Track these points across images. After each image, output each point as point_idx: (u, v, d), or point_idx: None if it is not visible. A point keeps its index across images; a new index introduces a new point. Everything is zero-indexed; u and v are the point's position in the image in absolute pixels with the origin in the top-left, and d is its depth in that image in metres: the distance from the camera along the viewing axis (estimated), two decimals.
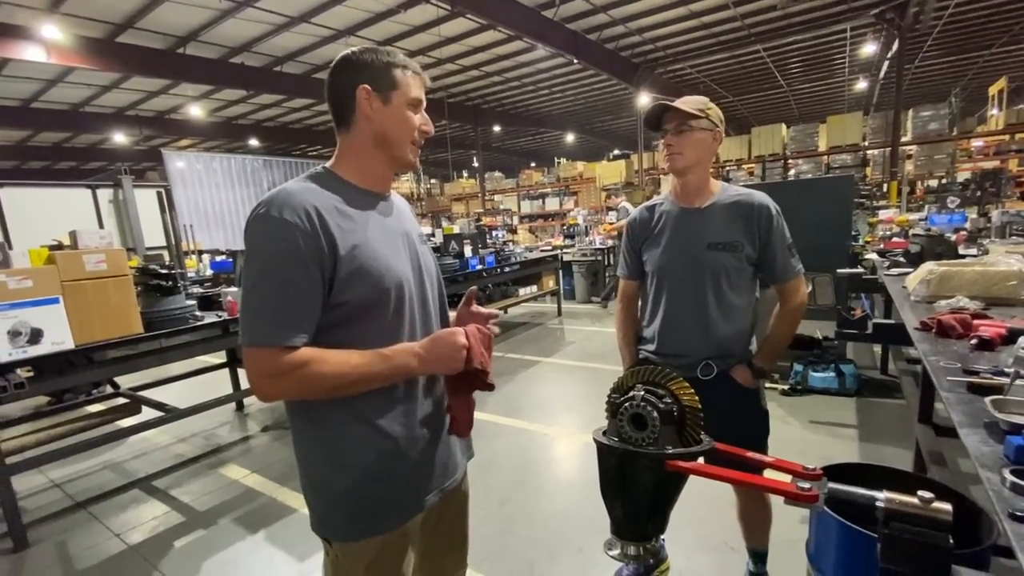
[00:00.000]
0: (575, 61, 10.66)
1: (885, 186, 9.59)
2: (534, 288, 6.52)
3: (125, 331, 2.88)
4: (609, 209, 7.21)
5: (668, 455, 1.03)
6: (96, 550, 2.55)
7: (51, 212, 6.40)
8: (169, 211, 5.82)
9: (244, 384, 4.01)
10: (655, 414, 1.05)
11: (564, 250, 8.18)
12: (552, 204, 13.88)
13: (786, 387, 3.74)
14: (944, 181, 9.85)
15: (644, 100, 11.80)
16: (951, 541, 0.78)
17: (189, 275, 5.49)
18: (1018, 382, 1.14)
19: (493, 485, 2.92)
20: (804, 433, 3.21)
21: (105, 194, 7.02)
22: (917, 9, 8.84)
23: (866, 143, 10.51)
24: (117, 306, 2.84)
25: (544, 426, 3.65)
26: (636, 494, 1.09)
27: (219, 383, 4.35)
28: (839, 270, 3.22)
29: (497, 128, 16.98)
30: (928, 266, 2.24)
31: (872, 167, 11.04)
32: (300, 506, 2.81)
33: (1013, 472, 0.89)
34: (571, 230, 9.44)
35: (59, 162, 17.23)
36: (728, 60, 12.61)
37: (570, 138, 19.12)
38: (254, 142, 16.41)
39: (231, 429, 3.99)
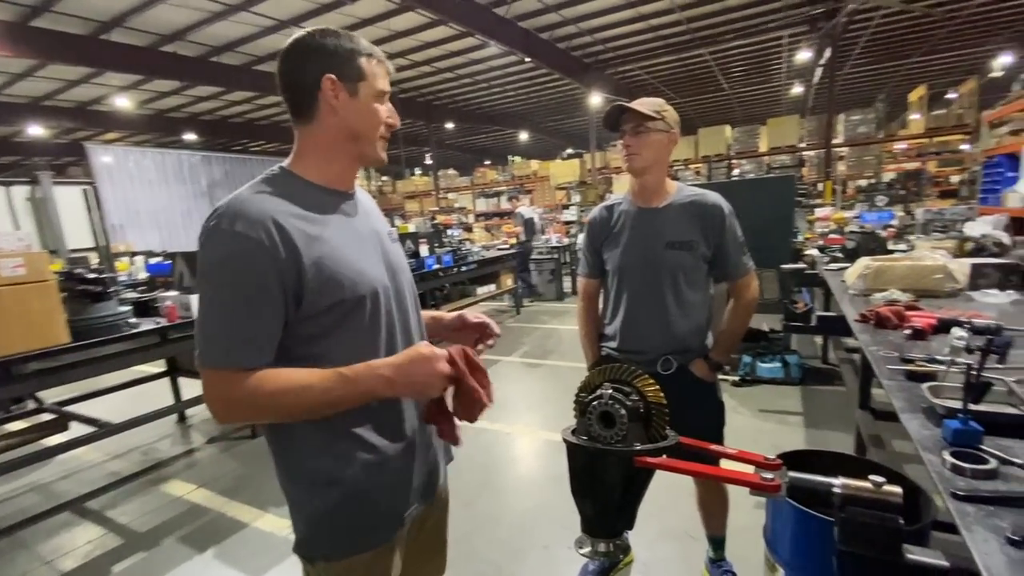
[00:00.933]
0: (527, 59, 10.70)
1: (820, 185, 10.21)
2: (493, 287, 6.50)
3: (49, 341, 2.64)
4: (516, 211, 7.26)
5: (637, 451, 1.04)
6: None
7: None
8: (97, 210, 5.40)
9: (186, 394, 3.77)
10: (623, 411, 1.06)
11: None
12: (507, 202, 13.91)
13: (736, 378, 3.90)
14: (872, 181, 10.56)
15: (596, 100, 12.00)
16: (901, 521, 0.83)
17: (121, 279, 5.13)
18: (952, 369, 1.23)
19: (457, 488, 2.83)
20: (755, 422, 3.36)
21: (20, 192, 6.44)
22: (846, 19, 9.44)
23: (803, 144, 11.12)
24: (40, 314, 2.60)
25: (506, 425, 3.65)
26: (606, 491, 1.09)
27: (158, 394, 4.08)
28: (783, 265, 3.40)
29: (450, 125, 16.81)
30: (864, 261, 2.39)
31: (808, 167, 11.70)
32: (252, 519, 2.68)
33: (952, 454, 0.96)
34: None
35: None
36: (675, 63, 13.02)
37: (524, 136, 19.19)
38: (190, 136, 15.48)
39: (173, 442, 3.75)
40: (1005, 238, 2.46)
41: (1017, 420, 1.07)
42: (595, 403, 1.09)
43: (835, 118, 10.91)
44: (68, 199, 6.58)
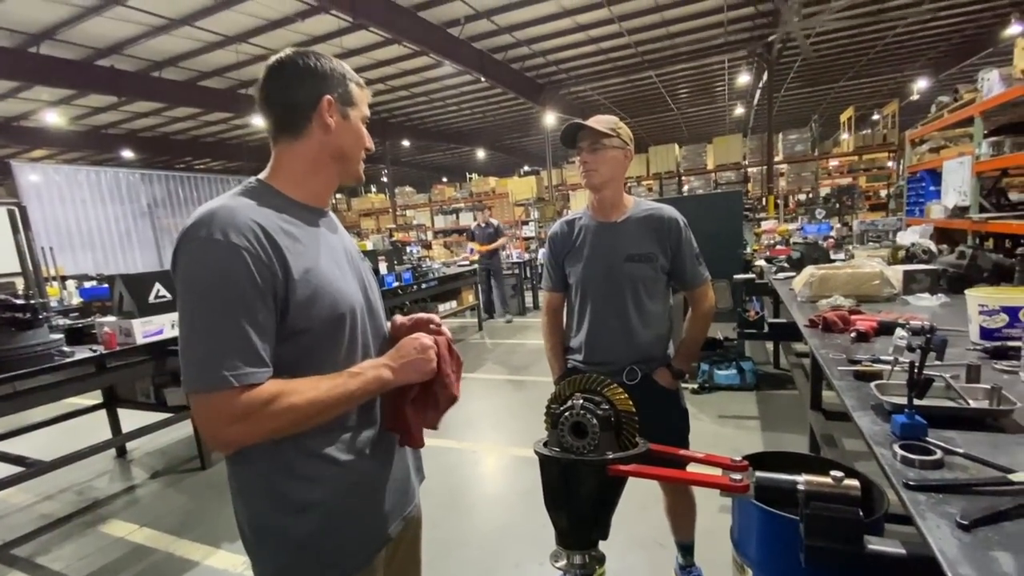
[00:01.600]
0: (482, 79, 10.85)
1: (764, 200, 10.81)
2: (454, 304, 6.46)
3: None
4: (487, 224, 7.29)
5: (610, 460, 1.04)
6: None
7: None
8: (24, 231, 5.03)
9: (126, 426, 3.52)
10: (595, 421, 1.07)
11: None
12: (466, 219, 13.93)
13: (696, 386, 4.02)
14: (810, 195, 11.26)
15: (550, 119, 12.30)
16: (861, 514, 0.87)
17: (51, 304, 4.78)
18: (896, 368, 1.31)
19: (424, 509, 2.80)
20: (715, 427, 3.46)
21: None
22: (780, 45, 10.12)
23: (746, 162, 11.76)
24: None
25: (472, 443, 3.60)
26: (580, 502, 1.09)
27: (94, 428, 3.78)
28: (735, 276, 3.55)
29: (406, 143, 16.76)
30: (809, 270, 2.53)
31: (752, 183, 12.36)
32: (203, 557, 2.50)
33: (902, 447, 1.01)
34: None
35: None
36: (625, 84, 13.55)
37: (481, 154, 19.36)
38: (128, 154, 14.72)
39: (111, 479, 3.48)
40: (932, 246, 2.67)
41: (956, 412, 1.15)
42: (567, 414, 1.09)
43: (775, 137, 11.63)
44: None
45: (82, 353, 2.87)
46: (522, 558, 2.33)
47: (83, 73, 9.18)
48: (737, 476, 0.96)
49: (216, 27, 8.38)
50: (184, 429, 3.83)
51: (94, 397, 3.77)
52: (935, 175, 4.98)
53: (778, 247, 4.10)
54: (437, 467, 3.31)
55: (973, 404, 1.15)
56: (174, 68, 9.89)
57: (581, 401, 1.09)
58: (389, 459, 1.11)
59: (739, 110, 15.13)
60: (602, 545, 2.35)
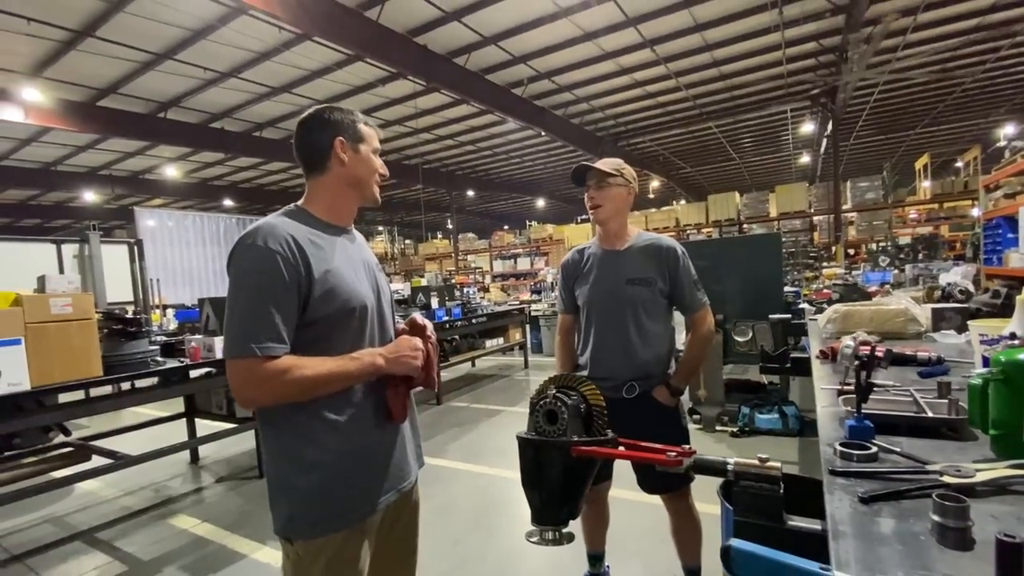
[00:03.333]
0: (543, 133, 11.47)
1: (832, 249, 10.37)
2: (500, 340, 6.68)
3: (84, 374, 2.90)
4: None
5: (573, 442, 1.19)
6: None
7: (11, 266, 6.35)
8: (139, 261, 5.87)
9: (200, 431, 3.95)
10: (564, 409, 1.23)
11: (532, 305, 8.45)
12: (524, 264, 14.34)
13: (735, 429, 3.91)
14: (885, 245, 10.67)
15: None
16: (781, 491, 0.96)
17: (158, 337, 5.49)
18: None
19: (448, 526, 2.94)
20: None
21: (70, 249, 7.02)
22: (845, 94, 9.98)
23: (811, 210, 11.40)
24: (79, 349, 2.89)
25: (503, 470, 3.70)
26: (550, 481, 1.23)
27: (175, 436, 4.26)
28: (771, 315, 3.52)
29: (471, 193, 17.72)
30: (834, 307, 2.53)
31: (819, 232, 11.90)
32: (251, 551, 2.77)
33: (842, 444, 1.09)
34: (539, 286, 9.79)
35: (23, 219, 17.04)
36: (683, 135, 13.74)
37: (541, 203, 20.01)
38: (229, 202, 16.66)
39: (184, 481, 3.90)
40: (970, 286, 2.57)
41: (913, 421, 1.20)
42: (542, 403, 1.26)
43: (843, 185, 11.24)
44: (112, 256, 7.12)
45: (171, 363, 3.35)
46: None
47: (199, 134, 10.74)
48: (673, 454, 1.08)
49: (310, 93, 9.58)
50: (248, 442, 4.22)
51: (177, 407, 4.28)
52: (1012, 221, 4.69)
53: (824, 290, 4.01)
54: (467, 490, 3.44)
55: (931, 414, 1.20)
56: (272, 128, 11.30)
57: (554, 391, 1.26)
58: (387, 439, 1.32)
59: (805, 158, 14.79)
60: (620, 572, 2.40)
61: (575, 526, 2.38)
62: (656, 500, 2.00)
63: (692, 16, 7.74)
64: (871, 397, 1.47)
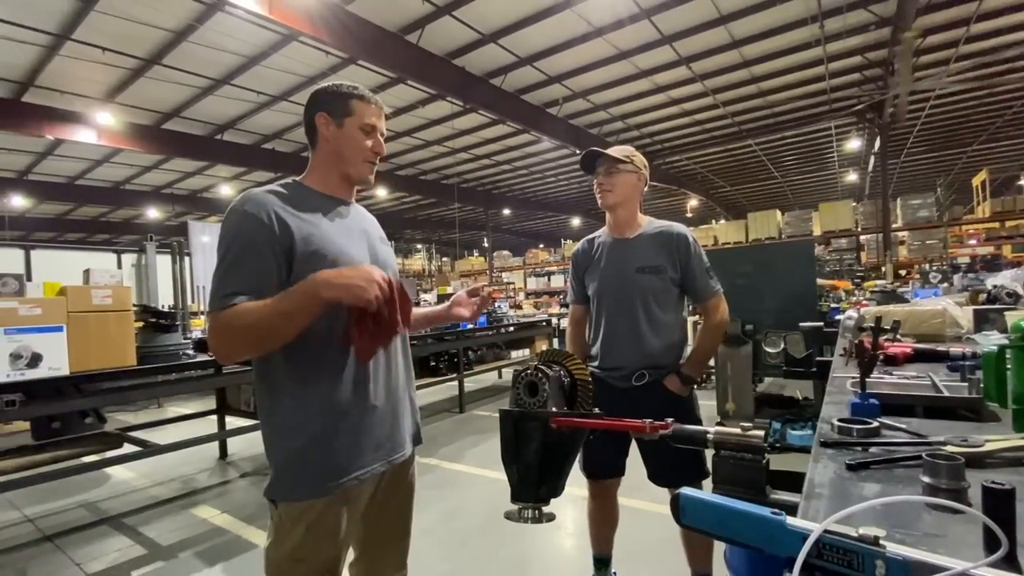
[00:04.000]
0: (577, 152, 11.52)
1: (883, 268, 9.82)
2: (527, 352, 6.63)
3: (120, 362, 3.06)
4: None
5: (551, 413, 1.15)
6: None
7: (77, 274, 6.85)
8: (180, 259, 6.19)
9: (229, 424, 4.09)
10: (545, 381, 1.19)
11: (561, 319, 8.38)
12: (557, 281, 14.29)
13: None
14: (940, 266, 10.03)
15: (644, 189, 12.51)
16: (764, 461, 0.89)
17: (194, 334, 5.75)
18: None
19: (458, 528, 2.89)
20: None
21: (129, 259, 7.52)
22: (893, 109, 9.57)
23: (858, 228, 10.88)
24: (115, 338, 3.05)
25: None
26: (528, 455, 1.19)
27: (207, 430, 4.41)
28: (801, 324, 3.34)
29: (506, 211, 17.92)
30: (864, 308, 2.38)
31: (866, 251, 11.32)
32: (262, 542, 2.78)
33: (840, 419, 1.01)
34: (568, 299, 9.70)
35: (95, 234, 18.37)
36: (722, 153, 13.50)
37: (576, 221, 19.98)
38: None
39: (210, 475, 4.01)
40: (1020, 289, 2.36)
41: (931, 402, 1.10)
42: (523, 374, 1.23)
43: (892, 203, 10.70)
44: (166, 266, 7.56)
45: (202, 357, 3.49)
46: None
47: (252, 154, 11.39)
48: (647, 424, 1.02)
49: None
50: None
51: (210, 404, 4.44)
52: None
53: (862, 300, 3.78)
54: (480, 494, 3.38)
55: (947, 394, 1.09)
56: None
57: (536, 363, 1.23)
58: (375, 408, 1.29)
59: (852, 176, 14.20)
60: None
61: (582, 529, 2.29)
62: (667, 508, 1.89)
63: (729, 33, 7.67)
64: (884, 381, 1.37)
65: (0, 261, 6.42)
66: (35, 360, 2.75)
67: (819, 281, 4.81)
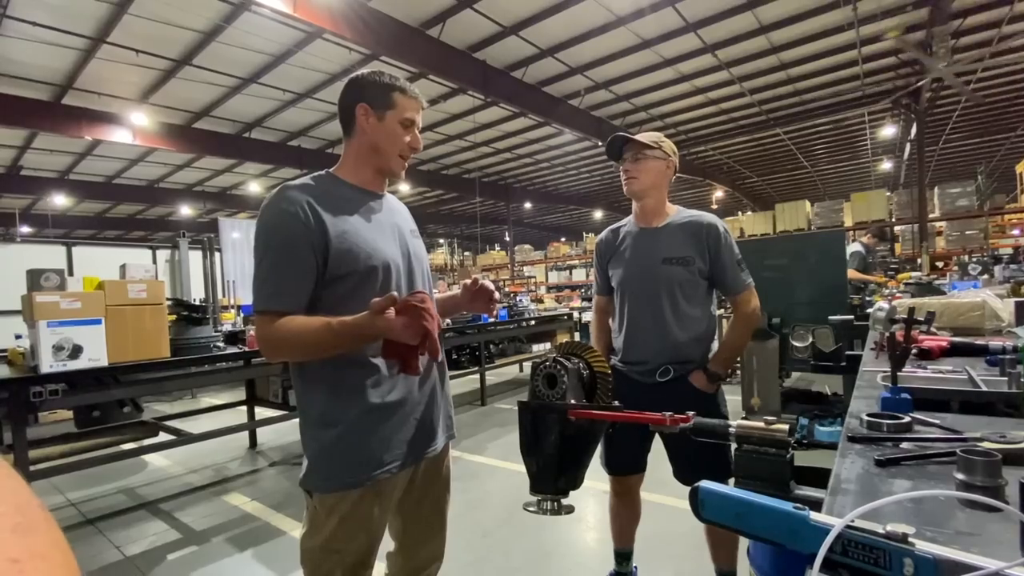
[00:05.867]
0: (600, 144, 11.39)
1: (919, 260, 9.46)
2: (548, 345, 6.62)
3: (154, 354, 3.17)
4: None
5: (569, 405, 1.14)
6: (95, 558, 2.68)
7: (115, 270, 7.11)
8: (211, 255, 6.37)
9: (258, 415, 4.20)
10: (564, 373, 1.18)
11: (583, 313, 8.34)
12: (579, 275, 14.20)
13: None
14: (981, 257, 9.60)
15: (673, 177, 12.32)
16: (789, 455, 0.87)
17: (225, 327, 5.91)
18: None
19: (480, 519, 2.91)
20: None
21: (163, 255, 7.77)
22: (931, 93, 9.17)
23: (892, 219, 10.49)
24: (151, 331, 3.16)
25: None
26: (547, 447, 1.19)
27: (238, 420, 4.54)
28: (831, 317, 3.24)
29: (528, 205, 17.86)
30: (898, 300, 2.29)
31: (902, 242, 10.91)
32: (291, 529, 2.88)
33: (870, 415, 0.97)
34: (589, 292, 9.64)
35: (132, 231, 19.03)
36: (750, 142, 13.15)
37: (599, 215, 19.80)
38: None
39: (241, 463, 4.13)
40: None
41: (968, 397, 1.05)
42: (542, 366, 1.23)
43: (929, 192, 10.28)
44: (199, 261, 7.80)
45: (232, 349, 3.59)
46: (560, 573, 2.32)
47: (278, 152, 11.61)
48: (666, 416, 1.01)
49: None
50: None
51: (240, 395, 4.57)
52: None
53: (896, 293, 3.65)
54: (502, 487, 3.40)
55: (984, 388, 1.04)
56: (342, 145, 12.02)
57: (555, 356, 1.22)
58: (410, 402, 1.31)
59: (886, 165, 13.67)
60: (649, 575, 2.28)
61: (603, 522, 2.28)
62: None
63: (756, 18, 7.44)
64: (917, 375, 1.32)
65: (44, 258, 6.71)
66: (76, 352, 2.86)
67: (853, 274, 4.65)
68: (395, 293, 1.11)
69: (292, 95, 9.14)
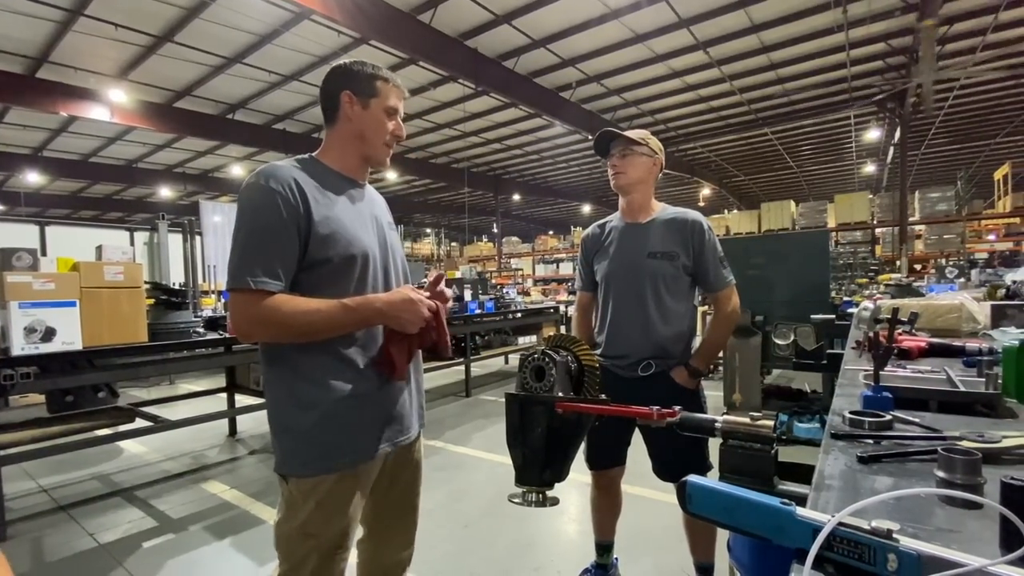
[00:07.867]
0: (590, 137, 11.37)
1: (898, 263, 9.67)
2: (534, 338, 6.64)
3: (131, 339, 3.10)
4: None
5: (557, 397, 1.14)
6: (68, 546, 2.62)
7: (90, 251, 6.92)
8: (191, 238, 6.23)
9: (238, 403, 4.14)
10: (552, 366, 1.18)
11: (569, 307, 8.38)
12: (566, 269, 14.24)
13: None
14: (957, 261, 9.86)
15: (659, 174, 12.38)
16: (773, 451, 0.88)
17: (205, 312, 5.80)
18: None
19: (462, 510, 2.92)
20: None
21: (142, 237, 7.57)
22: (915, 99, 9.33)
23: (874, 221, 10.70)
24: (127, 314, 3.09)
25: None
26: (533, 439, 1.18)
27: (218, 408, 4.47)
28: (813, 316, 3.29)
29: (516, 197, 17.81)
30: (879, 301, 2.34)
31: (883, 245, 11.14)
32: (270, 517, 2.84)
33: (851, 412, 0.99)
34: (574, 286, 9.71)
35: (108, 212, 18.52)
36: (738, 141, 13.27)
37: (587, 208, 19.83)
38: None
39: (220, 451, 4.08)
40: None
41: (946, 397, 1.07)
42: (530, 358, 1.22)
43: (910, 196, 10.49)
44: (179, 244, 7.61)
45: (212, 335, 3.52)
46: (542, 564, 2.33)
47: (263, 135, 11.37)
48: (654, 410, 1.01)
49: None
50: None
51: (219, 382, 4.50)
52: None
53: (876, 294, 3.72)
54: (485, 478, 3.41)
55: (962, 388, 1.06)
56: None
57: (543, 348, 1.22)
58: (387, 388, 1.30)
59: (869, 168, 13.92)
60: (629, 566, 2.31)
61: (585, 514, 2.30)
62: (671, 497, 1.89)
63: (748, 16, 7.48)
64: (897, 375, 1.34)
65: (16, 236, 6.50)
66: (49, 334, 2.79)
67: None
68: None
69: (278, 77, 8.94)
